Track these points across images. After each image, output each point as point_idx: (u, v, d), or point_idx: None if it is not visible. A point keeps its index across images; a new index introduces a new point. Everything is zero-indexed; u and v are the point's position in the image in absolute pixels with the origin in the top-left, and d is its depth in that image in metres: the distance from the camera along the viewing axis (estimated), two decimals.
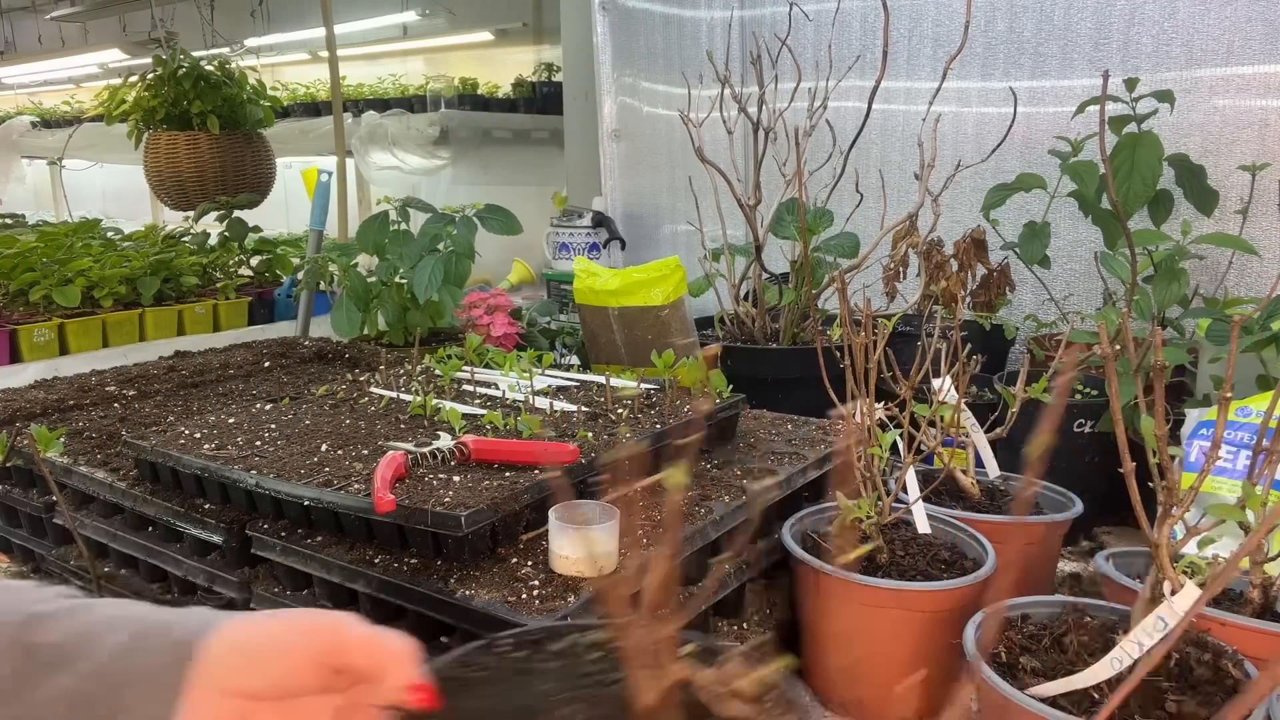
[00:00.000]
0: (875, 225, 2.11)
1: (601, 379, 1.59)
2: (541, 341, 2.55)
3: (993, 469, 1.51)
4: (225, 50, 5.18)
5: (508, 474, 1.16)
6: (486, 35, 5.63)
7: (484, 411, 1.40)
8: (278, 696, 0.56)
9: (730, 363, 1.98)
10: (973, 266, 2.01)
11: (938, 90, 1.97)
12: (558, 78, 4.99)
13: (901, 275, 2.03)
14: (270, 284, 3.74)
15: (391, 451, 1.18)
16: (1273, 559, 1.10)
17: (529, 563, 1.07)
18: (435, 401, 1.47)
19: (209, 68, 4.03)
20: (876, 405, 1.29)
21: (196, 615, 0.58)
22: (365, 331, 2.41)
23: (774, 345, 2.10)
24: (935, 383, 1.43)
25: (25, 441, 1.59)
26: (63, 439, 1.59)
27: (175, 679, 0.54)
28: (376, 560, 1.10)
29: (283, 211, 5.88)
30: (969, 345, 1.37)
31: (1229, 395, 0.95)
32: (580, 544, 1.03)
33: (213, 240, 3.83)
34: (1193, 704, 0.91)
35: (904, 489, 1.30)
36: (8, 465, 1.61)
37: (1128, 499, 0.98)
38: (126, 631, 0.56)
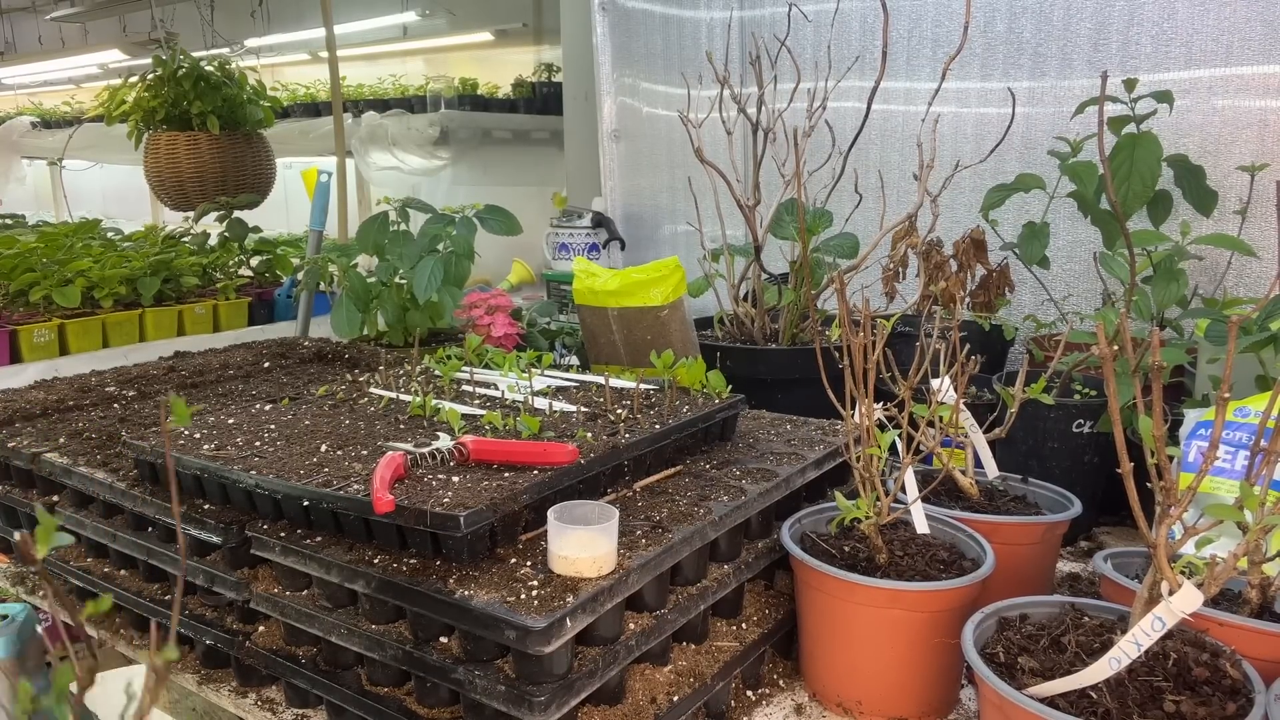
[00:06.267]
0: (874, 226, 2.11)
1: (601, 379, 1.59)
2: (541, 342, 2.55)
3: (991, 469, 1.51)
4: (225, 50, 5.19)
5: (507, 474, 1.16)
6: (486, 36, 5.64)
7: (483, 412, 1.41)
8: None
9: (729, 363, 1.98)
10: (972, 267, 2.01)
11: (937, 91, 1.98)
12: (558, 78, 5.00)
13: (901, 276, 2.03)
14: (270, 284, 3.75)
15: (391, 452, 1.18)
16: (1271, 559, 1.10)
17: (528, 563, 1.07)
18: (435, 402, 1.47)
19: (209, 68, 4.03)
20: (875, 405, 1.29)
21: None
22: (365, 332, 2.42)
23: (773, 346, 2.11)
24: (934, 383, 1.43)
25: (25, 442, 1.59)
26: (62, 439, 1.59)
27: None
28: (376, 560, 1.10)
29: (283, 212, 5.89)
30: (968, 346, 1.37)
31: (1227, 395, 0.95)
32: (579, 544, 1.03)
33: (213, 241, 3.83)
34: (1191, 704, 0.91)
35: (903, 489, 1.31)
36: (8, 465, 1.62)
37: (1126, 499, 0.98)
38: None
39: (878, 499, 1.25)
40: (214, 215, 3.90)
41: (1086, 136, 1.85)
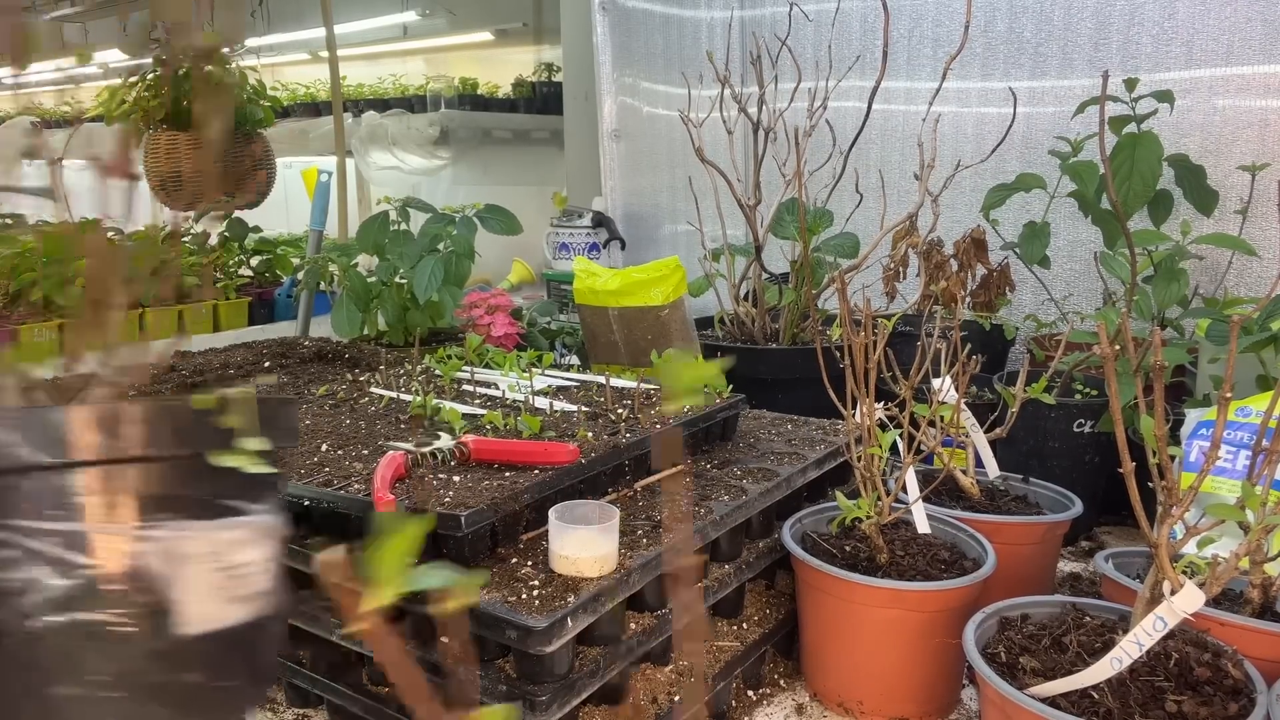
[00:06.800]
0: (875, 225, 2.11)
1: (601, 379, 1.59)
2: (541, 341, 2.55)
3: (992, 469, 1.51)
4: (225, 51, 5.18)
5: (508, 474, 1.16)
6: (486, 35, 5.63)
7: (484, 411, 1.41)
8: None
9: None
10: (973, 266, 2.01)
11: (938, 90, 1.98)
12: (558, 78, 4.99)
13: (901, 275, 2.03)
14: (270, 284, 3.75)
15: (391, 451, 1.18)
16: (1272, 559, 1.10)
17: (529, 563, 1.07)
18: (435, 401, 1.47)
19: (209, 68, 4.02)
20: (876, 405, 1.29)
21: None
22: (365, 331, 2.41)
23: (774, 345, 2.10)
24: (935, 383, 1.43)
25: None
26: None
27: None
28: None
29: (283, 211, 5.87)
30: (969, 345, 1.37)
31: (1229, 395, 0.95)
32: (581, 543, 1.03)
33: (213, 240, 3.83)
34: (1193, 704, 0.91)
35: (904, 489, 1.30)
36: None
37: (1127, 499, 0.98)
38: None
39: (879, 499, 1.25)
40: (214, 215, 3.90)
41: (1087, 136, 1.85)
